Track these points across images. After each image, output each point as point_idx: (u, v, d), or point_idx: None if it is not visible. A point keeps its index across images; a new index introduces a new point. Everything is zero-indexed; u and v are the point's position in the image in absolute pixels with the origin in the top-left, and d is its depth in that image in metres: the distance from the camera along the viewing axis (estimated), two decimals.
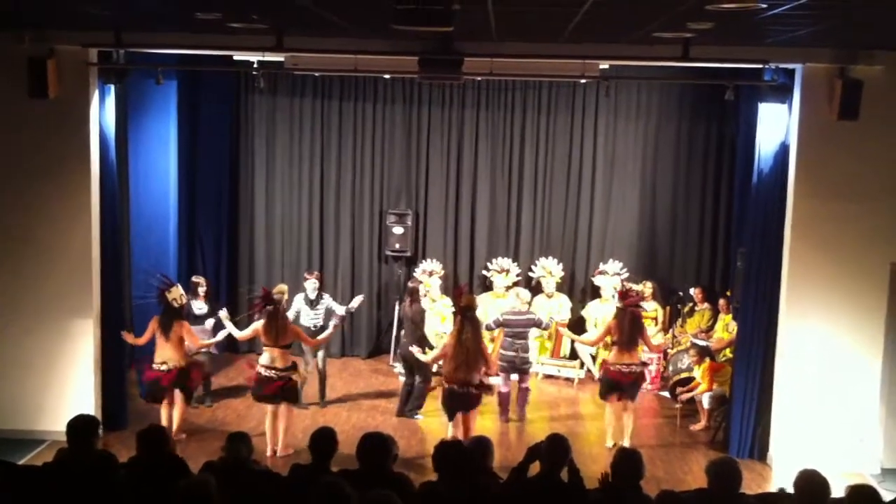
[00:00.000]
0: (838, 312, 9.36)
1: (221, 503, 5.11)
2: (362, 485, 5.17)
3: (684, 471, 9.45)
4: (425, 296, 11.75)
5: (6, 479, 5.79)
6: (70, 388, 9.74)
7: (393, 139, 13.51)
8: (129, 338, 9.88)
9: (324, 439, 6.02)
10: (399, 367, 11.78)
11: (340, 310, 11.31)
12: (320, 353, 11.04)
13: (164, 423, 9.62)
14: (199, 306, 10.98)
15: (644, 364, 10.32)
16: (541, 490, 5.72)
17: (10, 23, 8.91)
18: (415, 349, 10.18)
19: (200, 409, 10.87)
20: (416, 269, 13.07)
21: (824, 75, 9.03)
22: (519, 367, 10.87)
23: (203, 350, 10.32)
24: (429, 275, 12.75)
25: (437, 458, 5.72)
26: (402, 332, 11.01)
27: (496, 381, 11.00)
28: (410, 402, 10.89)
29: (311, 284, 11.16)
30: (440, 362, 9.67)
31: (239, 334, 9.97)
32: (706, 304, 12.49)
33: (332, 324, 10.71)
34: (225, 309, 10.42)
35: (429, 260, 13.16)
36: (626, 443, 9.77)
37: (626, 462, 5.71)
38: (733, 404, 9.86)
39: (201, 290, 11.08)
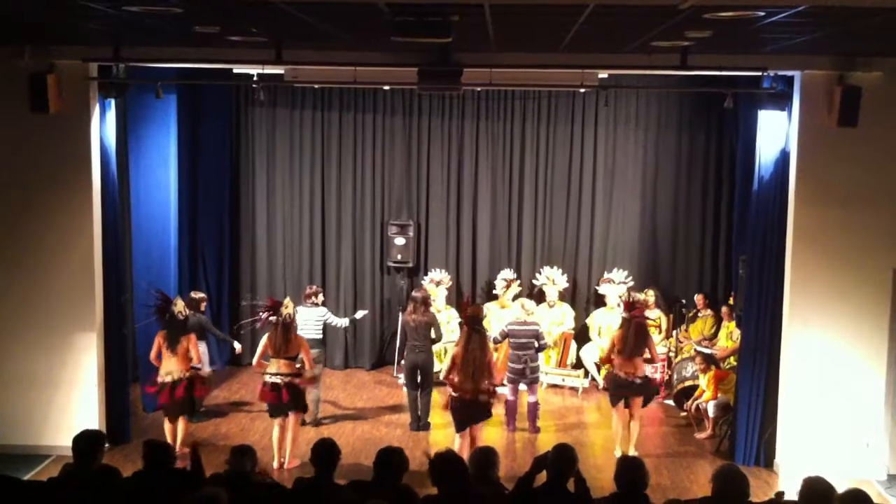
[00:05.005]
0: (842, 319, 9.35)
1: None
2: (372, 496, 5.19)
3: (690, 479, 9.42)
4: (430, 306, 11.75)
5: (12, 495, 5.78)
6: (74, 403, 9.74)
7: (393, 150, 13.53)
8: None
9: (325, 451, 6.02)
10: (403, 379, 11.76)
11: (340, 322, 11.34)
12: (315, 370, 10.96)
13: (167, 436, 9.62)
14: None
15: (647, 377, 10.24)
16: (547, 500, 5.71)
17: (10, 38, 8.93)
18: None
19: (203, 422, 10.84)
20: (424, 278, 13.08)
21: (823, 82, 9.04)
22: (528, 377, 10.85)
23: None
24: (436, 284, 12.75)
25: (433, 471, 5.70)
26: (407, 343, 10.96)
27: (503, 390, 11.00)
28: (422, 416, 10.88)
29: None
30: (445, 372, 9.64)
31: (254, 361, 9.92)
32: (709, 311, 12.52)
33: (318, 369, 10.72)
34: (238, 344, 11.26)
35: (436, 270, 13.17)
36: (632, 451, 9.77)
37: (629, 471, 5.68)
38: (738, 412, 9.84)
39: (203, 305, 11.12)
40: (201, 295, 11.31)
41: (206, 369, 10.70)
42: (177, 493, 5.56)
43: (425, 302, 10.96)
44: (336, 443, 6.14)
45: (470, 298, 11.00)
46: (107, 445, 6.53)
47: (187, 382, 9.62)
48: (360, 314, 11.91)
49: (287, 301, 9.64)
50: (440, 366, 11.62)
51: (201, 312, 11.03)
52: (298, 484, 6.04)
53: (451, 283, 13.13)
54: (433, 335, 10.84)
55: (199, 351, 10.09)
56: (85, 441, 6.15)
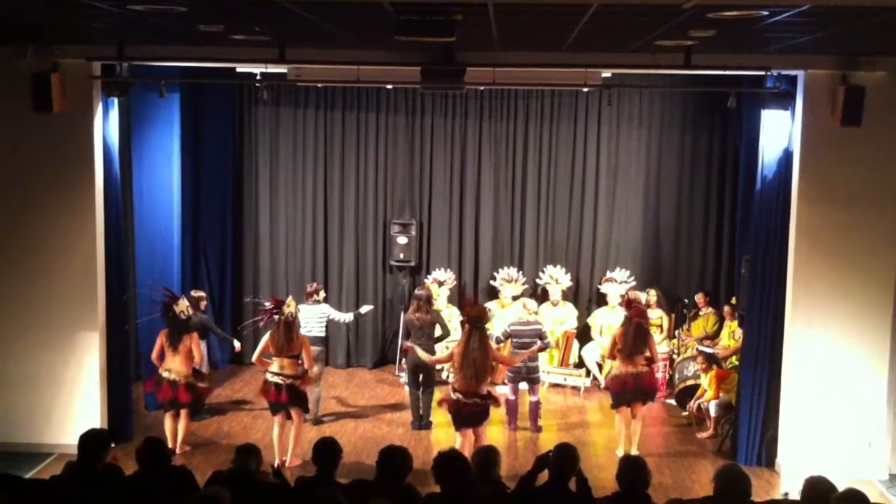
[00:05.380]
0: (844, 318, 9.34)
1: None
2: (374, 495, 5.20)
3: (692, 479, 9.42)
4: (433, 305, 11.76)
5: (14, 493, 5.79)
6: (76, 402, 9.75)
7: (396, 149, 13.53)
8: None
9: (326, 450, 6.02)
10: (405, 378, 11.77)
11: (344, 317, 11.37)
12: (315, 368, 11.01)
13: (168, 435, 9.65)
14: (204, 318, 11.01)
15: (650, 373, 10.21)
16: (549, 499, 5.71)
17: (13, 37, 8.94)
18: (419, 350, 10.22)
19: (205, 421, 10.84)
20: (427, 277, 13.07)
21: (826, 82, 9.03)
22: (527, 376, 10.84)
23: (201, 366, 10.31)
24: (438, 284, 12.75)
25: (436, 469, 5.71)
26: (410, 341, 10.95)
27: (504, 389, 11.00)
28: (424, 415, 10.88)
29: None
30: (449, 372, 9.60)
31: (254, 357, 9.93)
32: (710, 309, 12.51)
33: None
34: (238, 343, 11.18)
35: (440, 270, 13.17)
36: (634, 451, 9.76)
37: (631, 470, 5.69)
38: (740, 412, 9.84)
39: (203, 304, 11.10)
40: (201, 293, 11.29)
41: (206, 368, 10.67)
42: (177, 492, 5.57)
43: (429, 300, 10.96)
44: (337, 441, 6.14)
45: (473, 298, 10.98)
46: (113, 445, 6.50)
47: (186, 384, 9.63)
48: (364, 309, 11.89)
49: (289, 300, 9.65)
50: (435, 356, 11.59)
51: (201, 311, 11.02)
52: (300, 483, 6.05)
53: (454, 283, 13.14)
54: (438, 333, 10.83)
55: (201, 350, 10.08)
56: (92, 440, 6.16)
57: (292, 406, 9.49)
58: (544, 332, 10.99)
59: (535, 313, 11.31)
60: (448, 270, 13.18)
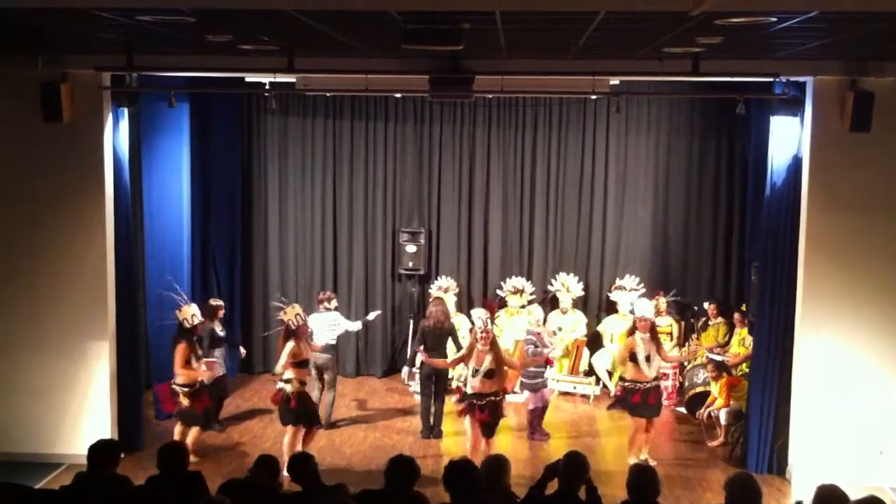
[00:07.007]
0: (854, 325, 9.30)
1: None
2: None
3: (703, 487, 9.38)
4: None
5: (23, 503, 5.80)
6: (87, 411, 9.77)
7: (404, 158, 13.54)
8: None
9: (302, 466, 6.06)
10: (415, 386, 11.76)
11: (353, 326, 11.39)
12: (326, 376, 11.03)
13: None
14: (219, 329, 10.91)
15: (656, 381, 10.14)
16: None
17: (23, 48, 8.98)
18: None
19: (216, 430, 10.83)
20: (431, 287, 13.06)
21: (835, 87, 9.01)
22: (526, 382, 10.89)
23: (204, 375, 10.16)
24: (444, 291, 12.75)
25: (447, 477, 5.70)
26: (426, 349, 10.94)
27: (517, 399, 11.01)
28: (435, 424, 10.89)
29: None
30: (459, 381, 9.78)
31: (279, 365, 9.65)
32: (720, 319, 12.45)
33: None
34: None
35: (442, 277, 13.17)
36: (643, 456, 9.72)
37: (642, 479, 5.66)
38: (750, 419, 9.80)
39: (220, 313, 10.99)
40: (219, 303, 11.10)
41: (202, 377, 10.29)
42: (186, 499, 5.57)
43: (446, 311, 11.07)
44: (306, 452, 6.24)
45: (486, 302, 11.07)
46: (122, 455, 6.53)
47: (192, 394, 9.62)
48: (372, 315, 11.97)
49: (290, 306, 9.63)
50: (452, 373, 11.60)
51: (219, 319, 10.91)
52: (299, 494, 6.07)
53: (457, 288, 13.10)
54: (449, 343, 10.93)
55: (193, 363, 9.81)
56: (101, 450, 6.16)
57: (302, 415, 9.50)
58: (537, 341, 10.81)
59: (532, 316, 11.24)
60: (448, 278, 13.13)
